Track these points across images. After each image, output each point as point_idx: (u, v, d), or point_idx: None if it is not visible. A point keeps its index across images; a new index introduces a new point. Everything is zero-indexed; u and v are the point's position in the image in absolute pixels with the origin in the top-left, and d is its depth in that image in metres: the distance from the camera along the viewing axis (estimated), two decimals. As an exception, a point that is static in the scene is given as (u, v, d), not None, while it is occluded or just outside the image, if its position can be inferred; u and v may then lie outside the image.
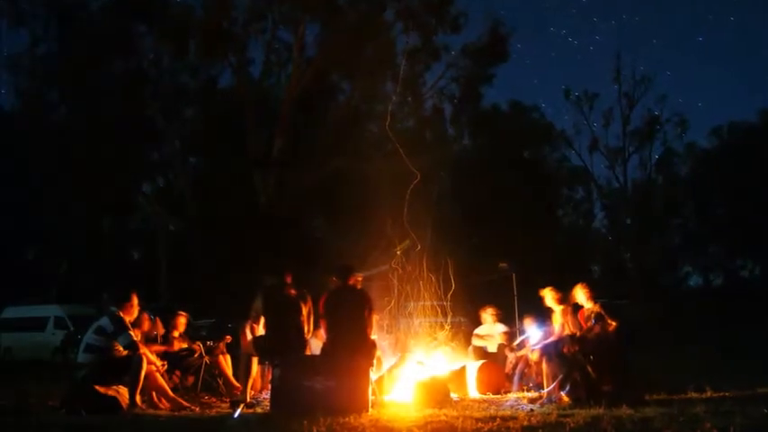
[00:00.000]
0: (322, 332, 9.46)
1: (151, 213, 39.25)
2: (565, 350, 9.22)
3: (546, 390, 9.27)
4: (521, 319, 13.21)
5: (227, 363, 11.30)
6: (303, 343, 9.75)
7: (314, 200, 35.33)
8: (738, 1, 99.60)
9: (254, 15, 33.68)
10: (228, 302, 24.47)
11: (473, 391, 10.60)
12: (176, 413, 8.86)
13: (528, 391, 10.42)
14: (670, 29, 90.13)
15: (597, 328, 9.17)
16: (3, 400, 9.50)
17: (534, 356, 10.39)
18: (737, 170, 48.36)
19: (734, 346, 19.58)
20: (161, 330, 11.06)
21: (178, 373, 10.76)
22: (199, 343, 11.32)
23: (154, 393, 9.31)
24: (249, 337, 10.38)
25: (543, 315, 10.94)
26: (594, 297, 9.69)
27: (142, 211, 41.72)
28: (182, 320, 11.48)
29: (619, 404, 7.86)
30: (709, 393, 9.28)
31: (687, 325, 28.27)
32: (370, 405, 8.17)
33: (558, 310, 10.26)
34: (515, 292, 16.75)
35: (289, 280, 9.91)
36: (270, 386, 8.99)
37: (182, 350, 11.02)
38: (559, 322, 10.17)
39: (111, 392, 8.49)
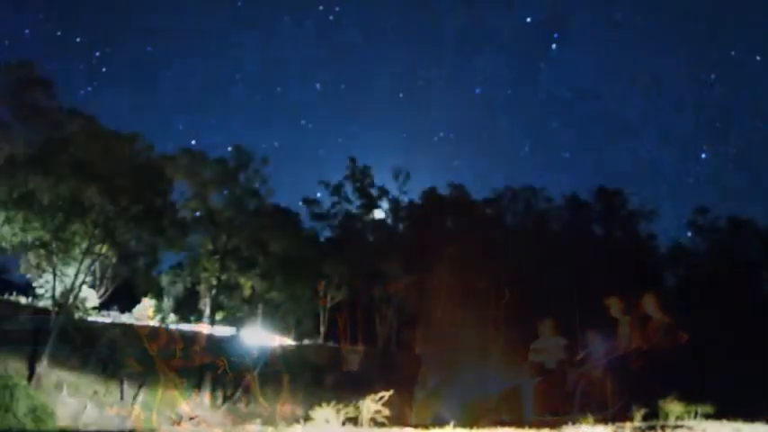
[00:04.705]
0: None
1: None
2: (632, 366, 9.22)
3: (611, 410, 9.27)
4: (582, 331, 13.21)
5: None
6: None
7: None
8: None
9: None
10: None
11: (529, 412, 10.61)
12: None
13: (591, 411, 10.43)
14: None
15: (667, 342, 9.13)
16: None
17: (598, 373, 10.37)
18: None
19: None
20: None
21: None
22: None
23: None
24: None
25: (608, 327, 10.91)
26: (665, 307, 9.65)
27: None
28: None
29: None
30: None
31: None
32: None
33: (624, 321, 10.23)
34: (576, 301, 16.78)
35: None
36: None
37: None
38: (626, 335, 10.12)
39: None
